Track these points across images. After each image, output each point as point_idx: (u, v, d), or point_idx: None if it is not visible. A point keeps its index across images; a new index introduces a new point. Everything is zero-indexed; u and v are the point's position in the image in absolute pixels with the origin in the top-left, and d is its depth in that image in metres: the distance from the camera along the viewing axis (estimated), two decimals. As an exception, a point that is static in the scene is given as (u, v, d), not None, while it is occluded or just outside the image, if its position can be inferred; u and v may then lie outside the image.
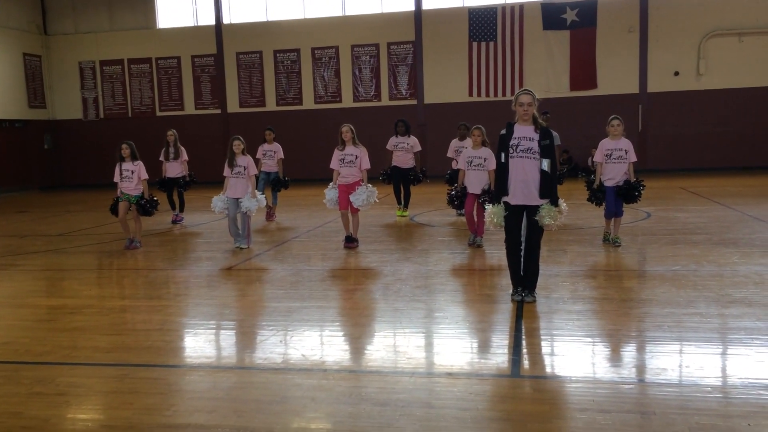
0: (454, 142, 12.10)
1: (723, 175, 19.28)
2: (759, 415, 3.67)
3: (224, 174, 9.63)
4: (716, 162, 20.73)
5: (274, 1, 23.00)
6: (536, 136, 5.96)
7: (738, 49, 20.49)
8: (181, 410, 4.05)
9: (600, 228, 9.54)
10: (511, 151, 5.98)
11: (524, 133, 5.99)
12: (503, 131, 6.09)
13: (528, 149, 5.94)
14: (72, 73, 24.45)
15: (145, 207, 10.02)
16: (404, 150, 12.50)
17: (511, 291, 6.31)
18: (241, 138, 9.74)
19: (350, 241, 9.37)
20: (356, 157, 9.28)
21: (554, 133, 7.41)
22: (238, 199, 9.48)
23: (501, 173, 6.09)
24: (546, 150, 5.94)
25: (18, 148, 23.25)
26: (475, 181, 9.12)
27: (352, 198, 9.20)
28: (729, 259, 7.72)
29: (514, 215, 6.06)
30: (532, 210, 6.00)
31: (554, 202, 5.98)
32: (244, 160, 9.57)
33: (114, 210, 10.11)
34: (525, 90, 6.09)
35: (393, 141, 12.59)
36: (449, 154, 12.09)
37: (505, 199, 6.08)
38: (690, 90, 20.88)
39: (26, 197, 21.30)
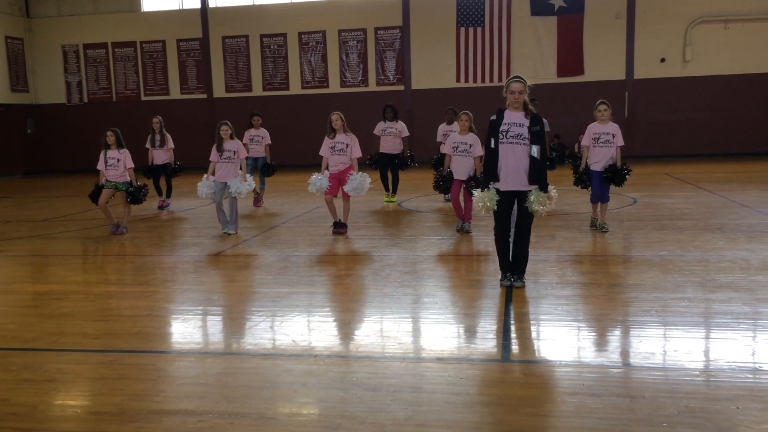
0: (443, 127, 12.10)
1: (709, 161, 19.41)
2: (746, 398, 3.71)
3: (211, 159, 9.56)
4: (702, 148, 20.86)
5: (260, -16, 22.78)
6: (526, 122, 5.96)
7: (724, 36, 20.58)
8: (170, 396, 4.03)
9: (587, 214, 9.58)
10: (501, 137, 5.98)
11: (514, 119, 5.98)
12: (493, 117, 6.08)
13: (518, 135, 5.94)
14: (55, 56, 24.10)
15: (134, 195, 9.89)
16: (392, 135, 12.46)
17: (500, 276, 6.32)
18: (228, 123, 9.68)
19: (339, 227, 9.34)
20: (347, 146, 9.22)
21: (544, 120, 7.41)
22: (226, 183, 9.43)
23: (491, 159, 6.08)
24: (536, 136, 5.94)
25: (0, 133, 22.94)
26: (461, 167, 9.11)
27: (345, 188, 9.14)
28: (715, 245, 7.78)
29: (504, 201, 6.07)
30: (522, 196, 6.01)
31: (544, 188, 5.99)
32: (234, 145, 9.52)
33: (94, 197, 9.95)
34: (517, 77, 6.06)
35: (381, 126, 12.55)
36: (439, 139, 12.06)
37: (495, 185, 6.07)
38: (676, 77, 20.96)
39: (9, 182, 21.05)
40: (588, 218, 9.37)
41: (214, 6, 23.07)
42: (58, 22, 23.92)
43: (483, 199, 6.09)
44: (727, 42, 20.54)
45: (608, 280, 6.50)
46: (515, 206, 6.14)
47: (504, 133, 5.96)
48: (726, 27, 20.53)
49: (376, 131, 12.59)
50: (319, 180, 9.22)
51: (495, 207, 6.05)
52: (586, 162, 8.83)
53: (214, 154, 9.52)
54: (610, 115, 8.77)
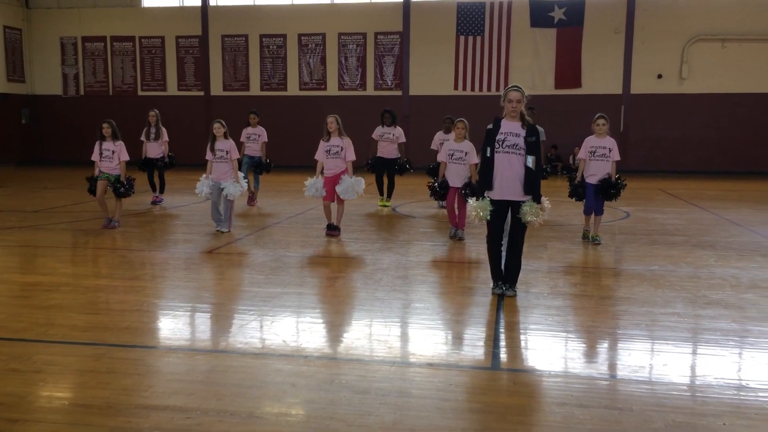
0: (439, 135, 12.10)
1: (702, 178, 19.53)
2: (733, 415, 3.73)
3: (206, 157, 9.55)
4: (695, 165, 21.00)
5: (262, -16, 22.78)
6: (523, 132, 5.98)
7: (721, 55, 20.74)
8: (159, 392, 4.01)
9: (580, 225, 9.62)
10: (497, 146, 6.00)
11: (511, 128, 6.00)
12: (490, 126, 6.10)
13: (514, 145, 5.96)
14: (53, 48, 24.02)
15: (119, 190, 9.86)
16: (389, 140, 12.48)
17: (492, 284, 6.34)
18: (222, 121, 9.66)
19: (332, 229, 9.33)
20: (341, 149, 9.24)
21: (540, 129, 7.44)
22: (220, 183, 9.42)
23: (486, 168, 6.10)
24: (531, 147, 5.97)
25: (-5, 122, 22.83)
26: (456, 175, 9.13)
27: (337, 188, 9.16)
28: (706, 261, 7.82)
29: (497, 211, 6.09)
30: (516, 206, 6.03)
31: (537, 199, 6.02)
32: (226, 144, 9.51)
33: (92, 190, 9.95)
34: (515, 87, 6.09)
35: (379, 131, 12.57)
36: (433, 146, 12.07)
37: (488, 194, 6.09)
38: (672, 93, 21.10)
39: (2, 172, 20.93)
40: (580, 230, 9.41)
41: (215, 4, 23.06)
42: (57, 13, 23.84)
43: (476, 209, 6.11)
44: (723, 61, 20.70)
45: (599, 293, 6.53)
46: (509, 215, 6.16)
47: (500, 143, 5.99)
48: (723, 46, 20.69)
49: (374, 135, 12.62)
50: (314, 184, 9.24)
51: (488, 216, 6.07)
52: (582, 175, 8.88)
53: (209, 153, 9.52)
54: (607, 130, 8.83)
